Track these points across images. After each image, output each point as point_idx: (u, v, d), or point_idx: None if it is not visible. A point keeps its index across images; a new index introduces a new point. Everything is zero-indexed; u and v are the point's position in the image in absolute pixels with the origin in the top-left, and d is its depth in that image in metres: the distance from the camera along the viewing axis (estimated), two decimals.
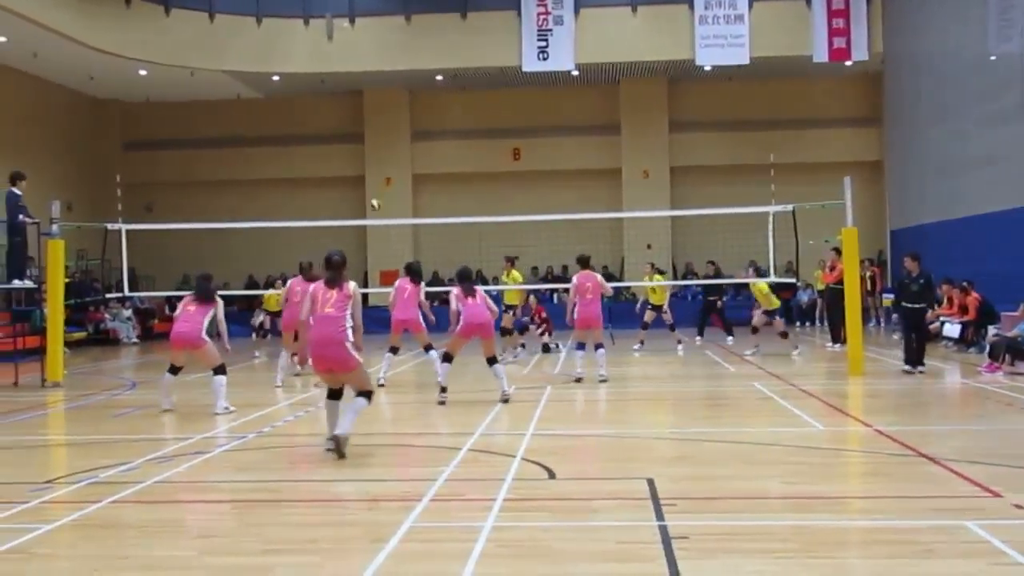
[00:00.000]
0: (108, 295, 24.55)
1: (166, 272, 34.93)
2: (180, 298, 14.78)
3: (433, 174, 35.15)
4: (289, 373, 16.37)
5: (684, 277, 32.17)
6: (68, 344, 20.79)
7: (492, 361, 13.22)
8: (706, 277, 26.58)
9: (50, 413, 13.55)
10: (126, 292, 21.42)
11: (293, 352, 16.16)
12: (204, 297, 12.72)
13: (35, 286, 19.20)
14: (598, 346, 15.13)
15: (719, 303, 23.99)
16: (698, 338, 23.91)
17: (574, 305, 15.06)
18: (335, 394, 9.61)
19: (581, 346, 15.47)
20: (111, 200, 27.58)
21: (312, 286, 9.67)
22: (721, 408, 12.78)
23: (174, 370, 12.76)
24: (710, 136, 34.26)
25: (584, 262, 15.62)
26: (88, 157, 34.72)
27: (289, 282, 16.29)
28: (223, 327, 12.78)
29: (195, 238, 30.81)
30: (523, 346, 20.96)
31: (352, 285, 9.54)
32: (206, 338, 12.52)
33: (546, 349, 21.38)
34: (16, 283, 17.47)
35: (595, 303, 15.12)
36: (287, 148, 35.40)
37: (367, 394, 9.44)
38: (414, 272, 15.48)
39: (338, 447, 9.21)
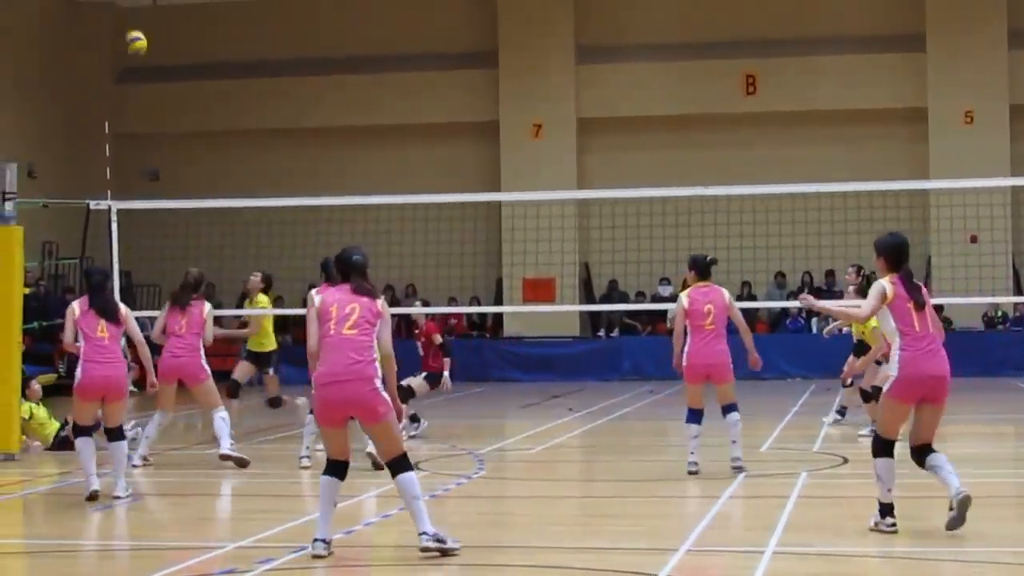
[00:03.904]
0: None
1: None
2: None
3: (611, 118, 35.30)
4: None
5: None
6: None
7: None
8: None
9: None
10: None
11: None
12: (110, 311, 13.83)
13: None
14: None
15: None
16: None
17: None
18: (338, 468, 10.57)
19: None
20: (96, 162, 27.67)
21: (319, 295, 10.78)
22: None
23: (86, 430, 13.93)
24: None
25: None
26: (62, 95, 35.37)
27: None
28: (145, 352, 14.22)
29: (226, 223, 31.03)
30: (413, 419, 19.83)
31: (382, 301, 10.78)
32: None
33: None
34: None
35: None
36: (374, 78, 36.16)
37: (407, 460, 10.50)
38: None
39: (438, 546, 10.30)
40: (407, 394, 18.50)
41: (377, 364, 10.51)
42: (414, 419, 18.79)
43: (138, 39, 20.35)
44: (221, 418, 16.38)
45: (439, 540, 10.27)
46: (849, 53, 34.27)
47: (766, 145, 34.34)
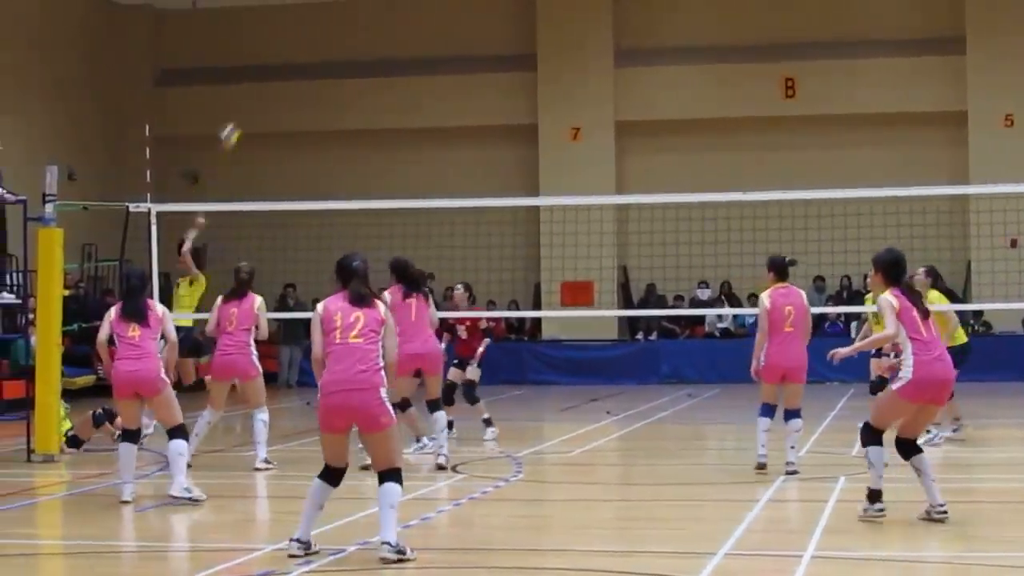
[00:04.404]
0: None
1: (219, 279, 34.45)
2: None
3: (649, 121, 35.36)
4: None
5: None
6: (68, 394, 21.02)
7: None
8: None
9: (39, 504, 14.85)
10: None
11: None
12: (139, 315, 13.86)
13: (18, 301, 19.97)
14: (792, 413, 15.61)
15: None
16: None
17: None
18: (333, 475, 10.69)
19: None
20: (135, 165, 28.01)
21: (324, 305, 10.73)
22: None
23: (132, 435, 13.96)
24: None
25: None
26: (101, 98, 35.79)
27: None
28: (172, 353, 14.34)
29: (265, 225, 30.92)
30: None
31: (384, 306, 10.74)
32: (166, 378, 13.90)
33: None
34: None
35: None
36: (414, 80, 36.28)
37: (398, 474, 10.51)
38: (409, 277, 16.52)
39: (397, 556, 10.35)
40: (472, 390, 18.68)
41: (383, 373, 10.51)
42: (488, 423, 18.88)
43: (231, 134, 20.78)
44: (262, 420, 16.36)
45: (400, 552, 10.34)
46: (888, 56, 34.19)
47: (805, 148, 34.27)
